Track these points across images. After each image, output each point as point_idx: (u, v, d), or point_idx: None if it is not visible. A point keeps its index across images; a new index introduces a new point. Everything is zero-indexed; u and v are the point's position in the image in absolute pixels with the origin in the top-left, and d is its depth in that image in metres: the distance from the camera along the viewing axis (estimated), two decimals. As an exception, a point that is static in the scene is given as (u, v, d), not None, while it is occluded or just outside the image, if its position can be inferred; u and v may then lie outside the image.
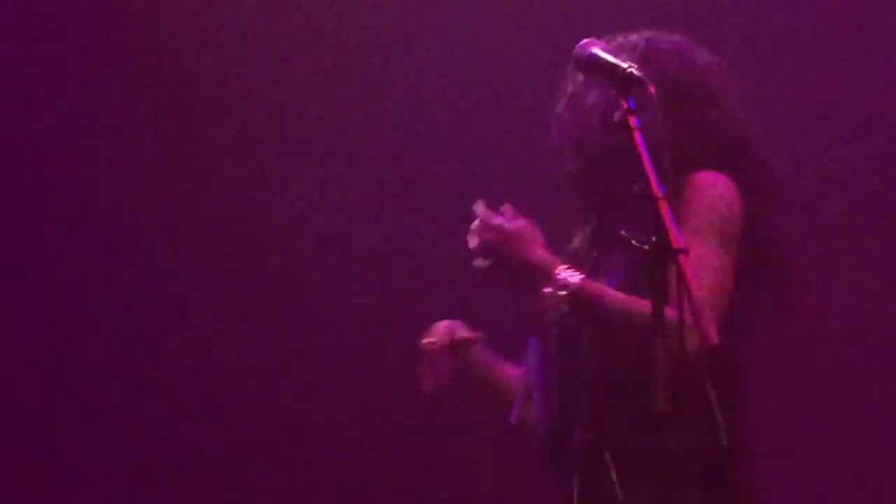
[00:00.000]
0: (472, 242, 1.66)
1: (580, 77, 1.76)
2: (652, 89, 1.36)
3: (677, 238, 1.25)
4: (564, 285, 1.58)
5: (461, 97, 3.91)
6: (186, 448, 4.03)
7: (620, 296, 1.61)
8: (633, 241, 1.29)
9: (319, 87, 4.15)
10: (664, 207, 1.26)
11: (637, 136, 1.33)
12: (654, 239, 1.26)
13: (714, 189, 1.70)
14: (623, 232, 1.31)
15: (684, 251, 1.24)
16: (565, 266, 1.63)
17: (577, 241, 1.89)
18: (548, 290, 1.60)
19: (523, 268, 1.65)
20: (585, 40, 1.54)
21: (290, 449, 4.06)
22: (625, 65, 1.42)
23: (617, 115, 1.41)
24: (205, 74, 4.20)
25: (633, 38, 1.82)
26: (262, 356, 4.12)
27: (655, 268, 1.26)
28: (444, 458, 3.79)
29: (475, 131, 3.89)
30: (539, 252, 1.66)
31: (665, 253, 1.25)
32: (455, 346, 1.99)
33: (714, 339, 1.23)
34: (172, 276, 4.14)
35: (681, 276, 1.24)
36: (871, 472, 3.39)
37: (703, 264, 1.55)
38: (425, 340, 2.05)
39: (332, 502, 4.04)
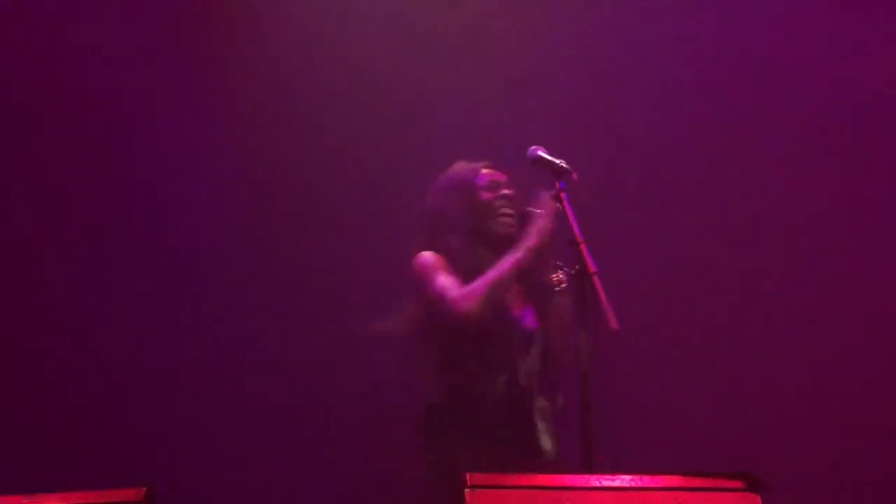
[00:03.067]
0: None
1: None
2: (574, 176, 2.27)
3: (592, 266, 2.12)
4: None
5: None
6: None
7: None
8: (564, 267, 2.18)
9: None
10: (584, 248, 2.15)
11: (566, 203, 2.24)
12: (577, 266, 2.15)
13: None
14: (558, 262, 2.21)
15: (596, 274, 2.12)
16: None
17: None
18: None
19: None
20: (534, 147, 2.47)
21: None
22: (559, 161, 2.34)
23: (553, 191, 2.31)
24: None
25: None
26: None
27: (579, 283, 2.15)
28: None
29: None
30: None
31: (585, 275, 2.13)
32: None
33: (616, 324, 2.10)
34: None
35: (594, 288, 2.11)
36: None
37: None
38: None
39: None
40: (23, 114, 4.24)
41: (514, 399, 2.61)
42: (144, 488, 1.82)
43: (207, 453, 4.01)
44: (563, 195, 2.37)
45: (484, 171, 2.80)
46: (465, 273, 2.66)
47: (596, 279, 2.16)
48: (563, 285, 2.48)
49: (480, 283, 2.59)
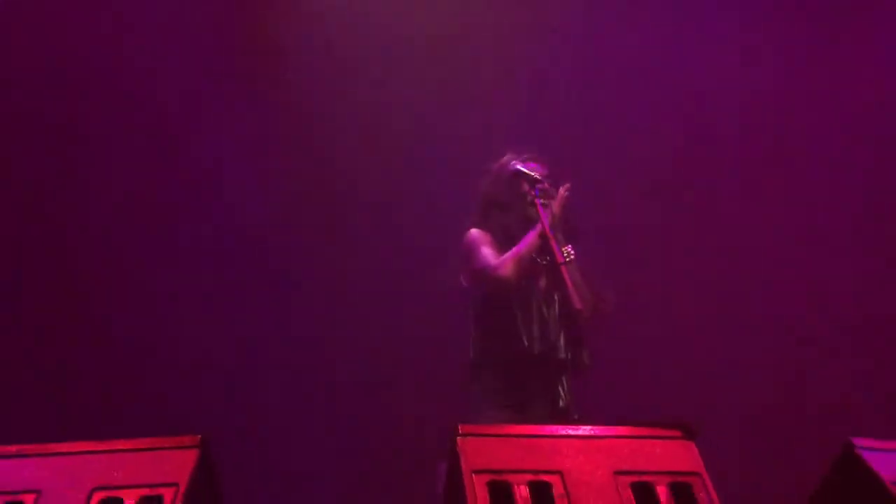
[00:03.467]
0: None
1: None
2: (546, 185, 2.75)
3: (560, 256, 2.59)
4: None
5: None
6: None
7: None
8: (538, 258, 2.65)
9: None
10: (553, 242, 2.61)
11: (539, 208, 2.71)
12: (548, 257, 2.61)
13: None
14: (533, 254, 2.68)
15: (564, 264, 2.58)
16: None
17: None
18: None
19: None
20: (513, 162, 3.03)
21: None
22: (532, 173, 2.82)
23: (529, 198, 2.79)
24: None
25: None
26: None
27: (552, 272, 2.62)
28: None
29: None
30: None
31: (554, 264, 2.60)
32: None
33: (579, 305, 2.56)
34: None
35: (563, 276, 2.57)
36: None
37: None
38: None
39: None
40: (97, 116, 5.07)
41: (539, 358, 3.14)
42: (200, 435, 2.22)
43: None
44: (536, 199, 2.89)
45: (526, 164, 3.34)
46: (503, 245, 3.27)
47: (563, 268, 2.64)
48: (572, 256, 2.96)
49: (510, 255, 3.18)
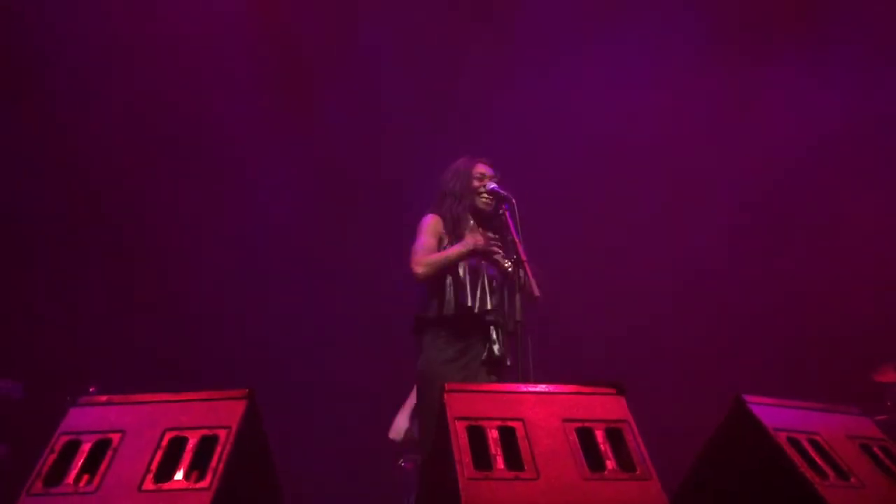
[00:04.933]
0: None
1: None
2: (513, 201, 3.43)
3: (523, 255, 3.27)
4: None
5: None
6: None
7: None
8: (504, 257, 3.33)
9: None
10: (519, 245, 3.28)
11: (508, 219, 3.39)
12: (515, 256, 3.29)
13: None
14: (500, 255, 3.36)
15: (526, 261, 3.26)
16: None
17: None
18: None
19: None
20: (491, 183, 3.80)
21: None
22: (504, 192, 3.49)
23: (500, 212, 3.48)
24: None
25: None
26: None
27: (517, 267, 3.29)
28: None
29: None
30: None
31: (519, 261, 3.28)
32: None
33: (538, 292, 3.25)
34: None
35: (525, 270, 3.25)
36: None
37: None
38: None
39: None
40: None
41: (478, 316, 3.84)
42: (247, 390, 2.81)
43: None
44: (506, 213, 3.58)
45: (479, 164, 4.03)
46: (451, 229, 3.95)
47: (526, 264, 3.33)
48: (510, 267, 3.67)
49: (435, 257, 3.89)
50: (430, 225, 3.99)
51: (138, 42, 6.13)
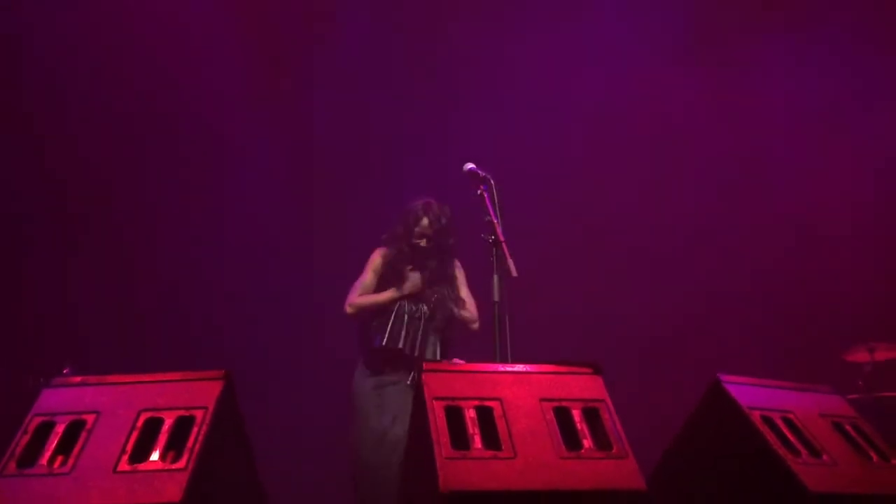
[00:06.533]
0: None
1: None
2: (492, 182, 3.43)
3: (500, 236, 3.27)
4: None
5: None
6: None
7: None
8: (483, 236, 3.34)
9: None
10: (497, 226, 3.29)
11: (486, 199, 3.40)
12: (492, 237, 3.30)
13: None
14: (483, 234, 3.36)
15: (504, 242, 3.27)
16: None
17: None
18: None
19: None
20: (467, 163, 3.73)
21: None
22: (482, 173, 3.52)
23: (478, 191, 3.49)
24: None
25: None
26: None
27: (495, 248, 3.30)
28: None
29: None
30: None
31: (497, 242, 3.28)
32: None
33: (515, 273, 3.26)
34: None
35: (501, 251, 3.26)
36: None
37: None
38: None
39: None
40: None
41: (415, 331, 4.19)
42: (224, 371, 2.80)
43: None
44: (484, 193, 3.57)
45: (420, 211, 4.33)
46: (395, 265, 4.32)
47: (503, 245, 3.32)
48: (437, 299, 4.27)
49: (363, 300, 4.30)
50: (374, 261, 4.39)
51: (121, 36, 6.13)
